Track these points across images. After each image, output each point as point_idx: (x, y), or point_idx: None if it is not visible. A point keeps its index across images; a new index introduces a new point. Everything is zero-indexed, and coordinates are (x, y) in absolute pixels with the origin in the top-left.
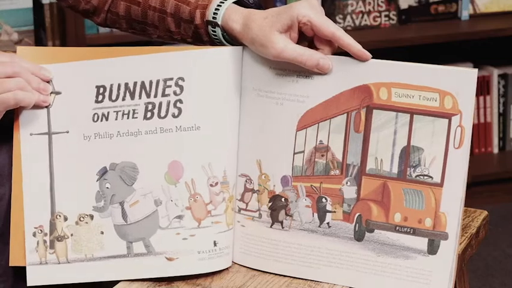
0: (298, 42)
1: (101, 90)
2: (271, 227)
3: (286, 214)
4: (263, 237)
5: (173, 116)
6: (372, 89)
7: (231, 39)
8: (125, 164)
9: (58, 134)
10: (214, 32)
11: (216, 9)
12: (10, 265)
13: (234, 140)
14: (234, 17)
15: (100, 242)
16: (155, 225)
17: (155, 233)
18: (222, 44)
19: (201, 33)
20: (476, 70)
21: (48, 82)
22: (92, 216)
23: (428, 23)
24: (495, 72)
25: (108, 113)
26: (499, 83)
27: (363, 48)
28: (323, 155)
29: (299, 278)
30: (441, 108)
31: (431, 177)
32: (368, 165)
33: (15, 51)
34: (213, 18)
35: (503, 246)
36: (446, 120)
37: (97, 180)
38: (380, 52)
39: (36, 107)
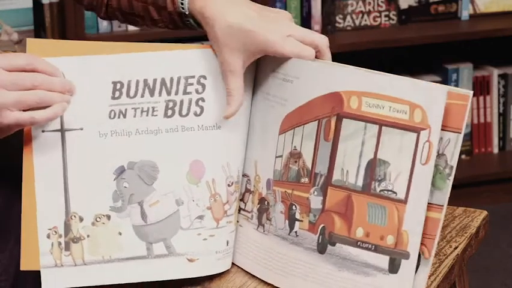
0: None
1: (118, 86)
2: (257, 229)
3: (267, 218)
4: (251, 238)
5: (195, 114)
6: (343, 96)
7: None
8: (145, 162)
9: (72, 131)
10: (188, 21)
11: None
12: (21, 269)
13: (245, 139)
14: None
15: (118, 243)
16: (177, 225)
17: (177, 234)
18: (194, 29)
19: (175, 20)
20: (446, 88)
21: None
22: (109, 217)
23: (428, 23)
24: (495, 72)
25: (126, 109)
26: (499, 83)
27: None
28: (296, 161)
29: None
30: (411, 122)
31: (395, 192)
32: (334, 175)
33: (15, 51)
34: (181, 7)
35: (503, 246)
36: (415, 135)
37: (114, 179)
38: (380, 52)
39: None
